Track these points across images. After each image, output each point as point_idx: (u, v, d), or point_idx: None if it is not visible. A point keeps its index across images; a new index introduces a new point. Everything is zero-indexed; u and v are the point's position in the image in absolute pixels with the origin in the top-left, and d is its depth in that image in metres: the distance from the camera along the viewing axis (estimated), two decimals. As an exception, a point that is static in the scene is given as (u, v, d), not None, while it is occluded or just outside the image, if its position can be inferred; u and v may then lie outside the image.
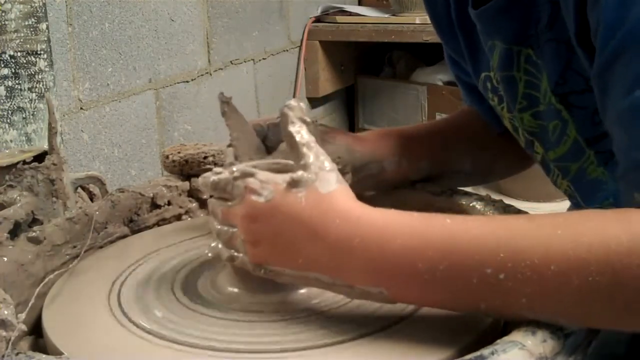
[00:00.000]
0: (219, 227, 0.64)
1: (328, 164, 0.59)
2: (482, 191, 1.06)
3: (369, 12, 2.37)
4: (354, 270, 0.56)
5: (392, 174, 0.84)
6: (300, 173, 0.59)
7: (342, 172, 0.79)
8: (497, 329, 0.61)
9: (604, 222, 0.52)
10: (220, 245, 0.65)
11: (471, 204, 0.82)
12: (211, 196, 0.66)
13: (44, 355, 0.55)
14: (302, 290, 0.66)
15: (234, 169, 0.62)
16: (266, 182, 0.59)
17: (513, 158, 0.93)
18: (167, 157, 0.91)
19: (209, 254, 0.66)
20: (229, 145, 0.75)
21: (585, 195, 0.77)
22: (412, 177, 0.87)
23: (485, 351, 0.50)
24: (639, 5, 0.55)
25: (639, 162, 0.55)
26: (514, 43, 0.75)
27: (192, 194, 0.90)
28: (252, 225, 0.60)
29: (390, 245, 0.55)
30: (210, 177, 0.64)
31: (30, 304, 0.68)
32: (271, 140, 0.79)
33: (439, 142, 0.89)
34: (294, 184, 0.58)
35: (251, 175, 0.61)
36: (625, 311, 0.51)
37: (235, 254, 0.63)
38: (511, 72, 0.77)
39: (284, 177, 0.59)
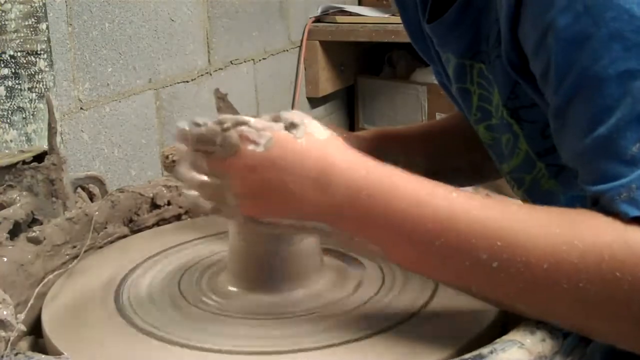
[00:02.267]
0: (203, 179, 0.60)
1: (307, 116, 0.59)
2: (482, 191, 1.06)
3: (369, 12, 2.37)
4: (355, 223, 0.57)
5: None
6: (295, 118, 0.58)
7: None
8: (497, 329, 0.61)
9: (599, 228, 0.52)
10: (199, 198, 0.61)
11: (471, 204, 0.82)
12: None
13: (43, 356, 0.55)
14: (303, 290, 0.66)
15: (222, 118, 0.59)
16: (263, 130, 0.57)
17: None
18: (167, 157, 0.91)
19: (185, 205, 0.64)
20: None
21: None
22: None
23: (484, 350, 0.50)
24: (589, 46, 0.55)
25: (602, 191, 0.55)
26: (466, 57, 0.76)
27: (192, 194, 0.90)
28: (250, 176, 0.57)
29: (394, 207, 0.55)
30: (191, 128, 0.60)
31: (30, 304, 0.68)
32: None
33: (436, 141, 0.90)
34: (292, 126, 0.57)
35: (245, 123, 0.58)
36: (611, 322, 0.51)
37: (221, 206, 0.60)
38: (465, 85, 0.78)
39: (280, 124, 0.58)
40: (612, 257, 0.50)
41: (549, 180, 0.74)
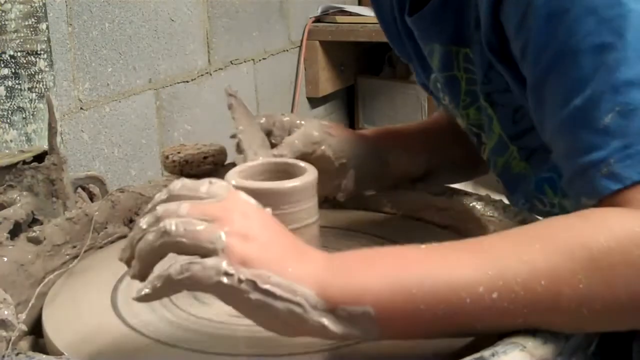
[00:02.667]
0: (188, 218, 0.52)
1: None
2: (482, 191, 1.06)
3: (369, 12, 2.37)
4: (342, 286, 0.52)
5: (393, 169, 0.85)
6: None
7: (346, 167, 0.80)
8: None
9: (577, 227, 0.52)
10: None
11: (471, 204, 0.82)
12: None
13: (44, 356, 0.55)
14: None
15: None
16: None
17: None
18: (167, 157, 0.91)
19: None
20: (233, 136, 0.75)
21: (511, 189, 0.81)
22: (412, 173, 0.87)
23: (485, 352, 0.50)
24: (565, 21, 0.57)
25: (583, 168, 0.56)
26: (452, 44, 0.78)
27: (192, 194, 0.90)
28: (244, 220, 0.53)
29: (377, 264, 0.53)
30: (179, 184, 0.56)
31: (30, 304, 0.68)
32: (276, 136, 0.80)
33: (434, 137, 0.91)
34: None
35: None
36: (619, 310, 0.51)
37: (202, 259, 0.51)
38: (452, 72, 0.80)
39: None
40: (600, 247, 0.50)
41: (520, 163, 0.76)
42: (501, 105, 0.74)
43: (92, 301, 0.69)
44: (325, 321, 0.51)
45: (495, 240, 0.55)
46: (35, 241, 0.74)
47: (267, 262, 0.51)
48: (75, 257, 0.77)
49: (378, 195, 0.88)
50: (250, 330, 0.62)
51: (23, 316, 0.63)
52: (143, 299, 0.53)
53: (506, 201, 0.82)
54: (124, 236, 0.85)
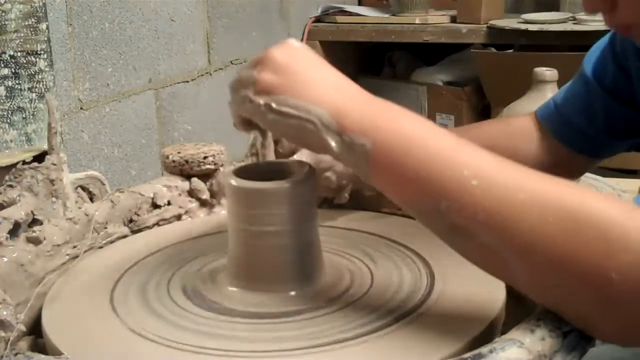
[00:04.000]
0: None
1: None
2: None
3: (369, 12, 2.37)
4: (356, 117, 0.58)
5: None
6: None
7: (345, 187, 0.84)
8: (497, 329, 0.61)
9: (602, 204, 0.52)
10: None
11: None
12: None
13: (43, 356, 0.55)
14: (303, 290, 0.66)
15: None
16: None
17: None
18: (167, 157, 0.91)
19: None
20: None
21: None
22: None
23: (484, 349, 0.50)
24: None
25: None
26: None
27: (192, 194, 0.90)
28: (281, 60, 0.62)
29: (403, 112, 0.58)
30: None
31: (29, 304, 0.68)
32: (284, 146, 0.82)
33: None
34: None
35: None
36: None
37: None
38: None
39: None
40: (572, 200, 0.51)
41: None
42: None
43: (92, 301, 0.69)
44: (332, 142, 0.58)
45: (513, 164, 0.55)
46: (35, 241, 0.74)
47: (290, 88, 0.60)
48: (75, 257, 0.77)
49: (378, 195, 0.88)
50: (250, 327, 0.62)
51: (22, 316, 0.63)
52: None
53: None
54: (124, 236, 0.85)
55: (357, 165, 0.58)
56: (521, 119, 1.02)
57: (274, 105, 0.60)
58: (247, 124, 0.66)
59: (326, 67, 0.63)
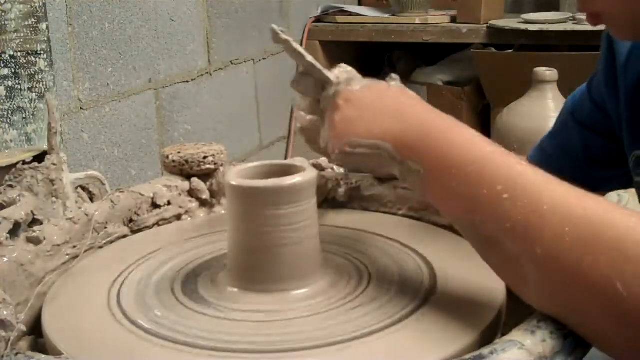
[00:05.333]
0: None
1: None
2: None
3: (369, 12, 2.37)
4: (411, 147, 0.64)
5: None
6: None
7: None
8: (497, 330, 0.61)
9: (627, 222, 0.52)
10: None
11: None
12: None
13: (43, 356, 0.55)
14: (304, 290, 0.66)
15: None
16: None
17: None
18: (167, 157, 0.91)
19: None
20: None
21: None
22: None
23: (484, 350, 0.50)
24: None
25: None
26: None
27: (192, 194, 0.90)
28: (353, 91, 0.70)
29: (449, 137, 0.63)
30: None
31: (29, 304, 0.68)
32: None
33: None
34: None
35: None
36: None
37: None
38: None
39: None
40: (600, 219, 0.52)
41: None
42: None
43: (92, 301, 0.69)
44: (396, 169, 0.66)
45: (552, 181, 0.57)
46: (35, 241, 0.74)
47: (361, 125, 0.68)
48: (75, 257, 0.77)
49: (378, 195, 0.88)
50: (249, 327, 0.62)
51: (22, 316, 0.63)
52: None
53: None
54: (124, 236, 0.85)
55: (415, 186, 0.65)
56: None
57: (348, 149, 0.68)
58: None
59: (388, 94, 0.70)
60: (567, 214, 0.53)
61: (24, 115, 1.19)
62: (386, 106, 0.68)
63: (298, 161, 0.73)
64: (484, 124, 2.29)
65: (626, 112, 0.88)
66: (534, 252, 0.53)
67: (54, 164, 0.83)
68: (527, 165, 0.58)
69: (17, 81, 1.19)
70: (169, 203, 0.89)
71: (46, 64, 1.23)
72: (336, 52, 2.30)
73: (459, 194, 0.60)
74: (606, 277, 0.50)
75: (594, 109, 0.97)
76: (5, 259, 0.70)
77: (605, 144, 0.96)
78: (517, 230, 0.55)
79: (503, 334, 0.54)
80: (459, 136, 0.63)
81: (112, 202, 0.84)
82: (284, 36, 0.73)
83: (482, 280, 0.64)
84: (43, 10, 1.23)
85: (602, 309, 0.50)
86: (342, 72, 0.73)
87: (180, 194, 0.89)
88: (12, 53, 1.18)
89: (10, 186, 0.82)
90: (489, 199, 0.57)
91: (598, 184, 0.99)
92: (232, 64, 1.90)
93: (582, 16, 2.14)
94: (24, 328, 0.66)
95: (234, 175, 0.68)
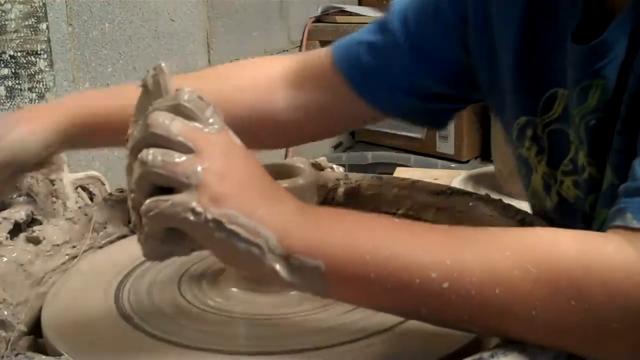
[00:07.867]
0: (179, 138, 0.51)
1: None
2: (482, 191, 1.06)
3: (369, 12, 2.37)
4: (302, 236, 0.51)
5: None
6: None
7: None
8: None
9: (558, 252, 0.50)
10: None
11: (470, 204, 0.82)
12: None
13: (43, 356, 0.55)
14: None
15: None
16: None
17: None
18: (167, 157, 0.91)
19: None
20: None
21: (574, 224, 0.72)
22: None
23: (485, 354, 0.50)
24: None
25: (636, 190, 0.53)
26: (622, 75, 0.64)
27: (192, 194, 0.90)
28: (226, 158, 0.52)
29: (341, 221, 0.53)
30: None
31: (29, 304, 0.68)
32: None
33: None
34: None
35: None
36: (567, 348, 0.51)
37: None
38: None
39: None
40: (569, 285, 0.48)
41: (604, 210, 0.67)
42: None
43: (91, 301, 0.69)
44: (278, 267, 0.51)
45: (470, 234, 0.53)
46: (35, 241, 0.74)
47: (239, 202, 0.51)
48: (75, 257, 0.77)
49: (378, 195, 0.88)
50: (250, 327, 0.62)
51: (22, 316, 0.63)
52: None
53: (506, 201, 0.81)
54: (124, 236, 0.85)
55: (313, 287, 0.52)
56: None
57: (224, 222, 0.50)
58: (168, 246, 0.54)
59: (261, 171, 0.54)
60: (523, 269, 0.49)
61: (24, 115, 1.19)
62: (262, 182, 0.53)
63: (298, 161, 0.73)
64: (484, 124, 2.29)
65: (512, 78, 0.75)
66: (512, 327, 0.51)
67: (54, 164, 0.83)
68: (454, 236, 0.53)
69: (17, 81, 1.19)
70: (169, 203, 0.89)
71: (46, 64, 1.24)
72: (336, 52, 2.30)
73: (386, 287, 0.50)
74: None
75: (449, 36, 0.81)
76: (5, 259, 0.70)
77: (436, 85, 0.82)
78: (483, 316, 0.50)
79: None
80: (349, 215, 0.54)
81: (112, 202, 0.84)
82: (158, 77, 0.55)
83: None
84: (43, 10, 1.23)
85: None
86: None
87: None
88: (12, 53, 1.18)
89: (10, 186, 0.82)
90: (428, 292, 0.50)
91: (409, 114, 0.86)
92: (232, 64, 1.90)
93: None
94: (23, 328, 0.66)
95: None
